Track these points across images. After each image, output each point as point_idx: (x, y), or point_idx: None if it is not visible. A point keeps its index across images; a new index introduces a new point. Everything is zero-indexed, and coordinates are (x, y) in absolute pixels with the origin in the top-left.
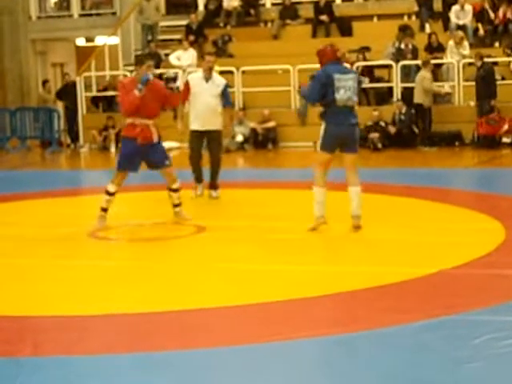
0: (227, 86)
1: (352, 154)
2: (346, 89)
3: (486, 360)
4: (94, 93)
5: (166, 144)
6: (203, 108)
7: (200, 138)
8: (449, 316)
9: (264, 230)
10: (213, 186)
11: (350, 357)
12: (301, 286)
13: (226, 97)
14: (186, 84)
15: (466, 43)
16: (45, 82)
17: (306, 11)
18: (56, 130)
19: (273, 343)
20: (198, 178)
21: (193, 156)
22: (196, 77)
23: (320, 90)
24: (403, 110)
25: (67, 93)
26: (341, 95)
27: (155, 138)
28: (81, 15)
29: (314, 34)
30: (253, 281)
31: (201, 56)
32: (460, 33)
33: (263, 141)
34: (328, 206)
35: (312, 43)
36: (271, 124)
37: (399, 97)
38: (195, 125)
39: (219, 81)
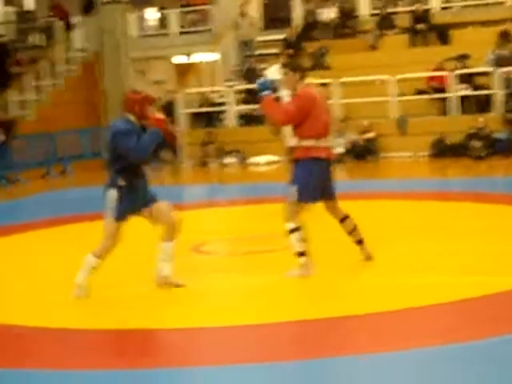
0: None
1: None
2: None
3: None
4: (194, 109)
5: (264, 158)
6: None
7: None
8: None
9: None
10: None
11: (460, 369)
12: (395, 298)
13: None
14: None
15: None
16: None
17: (403, 21)
18: None
19: (381, 354)
20: None
21: None
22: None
23: None
24: None
25: (168, 110)
26: None
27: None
28: (180, 33)
29: (412, 43)
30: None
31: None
32: None
33: (363, 151)
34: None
35: (410, 52)
36: (371, 134)
37: (499, 104)
38: None
39: None
